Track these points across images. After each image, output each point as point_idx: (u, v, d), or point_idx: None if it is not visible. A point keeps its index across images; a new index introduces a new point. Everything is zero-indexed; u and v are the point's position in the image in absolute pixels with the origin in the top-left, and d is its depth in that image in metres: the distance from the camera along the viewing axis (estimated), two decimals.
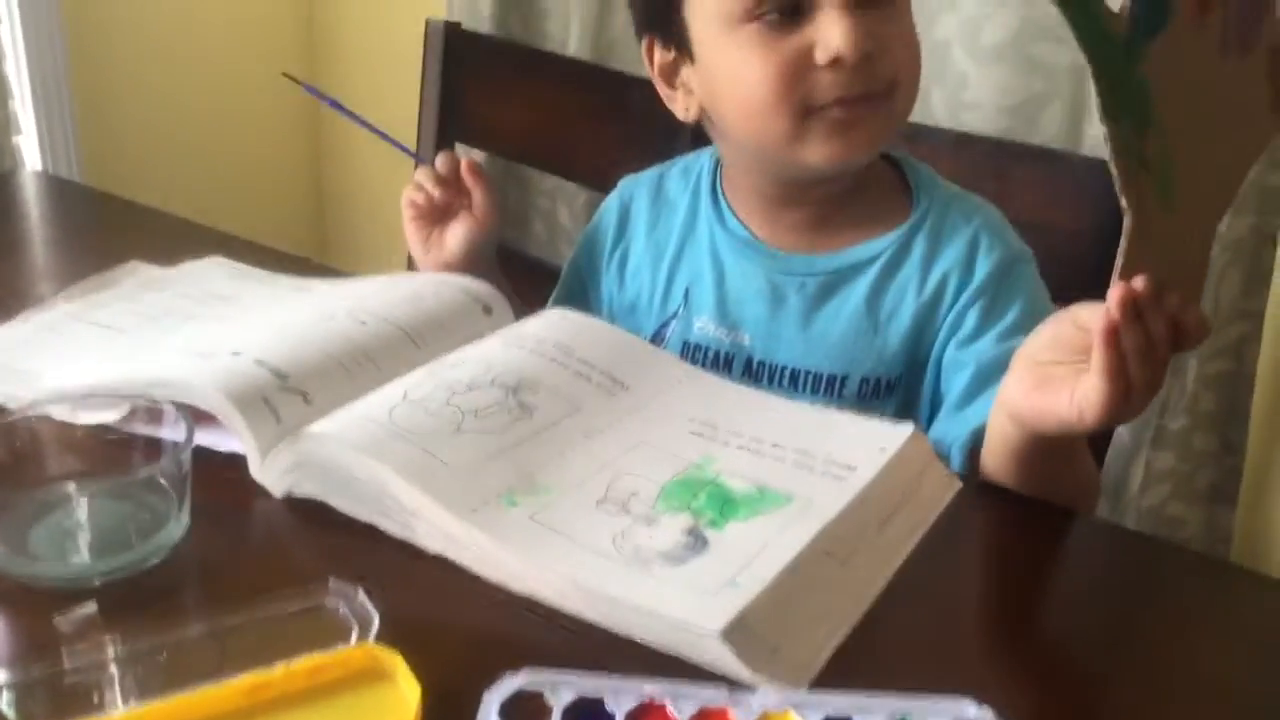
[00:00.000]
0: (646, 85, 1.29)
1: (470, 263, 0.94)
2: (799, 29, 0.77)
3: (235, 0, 1.86)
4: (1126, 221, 0.57)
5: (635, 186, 0.97)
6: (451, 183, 0.96)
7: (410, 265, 1.04)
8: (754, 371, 0.86)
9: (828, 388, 0.85)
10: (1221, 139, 0.59)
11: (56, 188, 1.34)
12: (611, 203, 0.98)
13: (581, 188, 1.56)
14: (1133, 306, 0.58)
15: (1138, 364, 0.59)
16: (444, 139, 1.39)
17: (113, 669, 0.52)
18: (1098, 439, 0.99)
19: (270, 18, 1.93)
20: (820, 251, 0.87)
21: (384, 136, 1.01)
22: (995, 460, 0.71)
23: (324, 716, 0.51)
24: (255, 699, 0.51)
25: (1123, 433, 1.24)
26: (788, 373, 0.85)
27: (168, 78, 1.79)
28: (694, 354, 0.88)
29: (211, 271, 0.92)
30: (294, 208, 2.03)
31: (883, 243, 0.86)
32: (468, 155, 1.46)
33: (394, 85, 1.56)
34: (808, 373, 0.85)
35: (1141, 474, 1.27)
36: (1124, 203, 0.57)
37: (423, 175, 0.96)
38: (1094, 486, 0.76)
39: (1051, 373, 0.64)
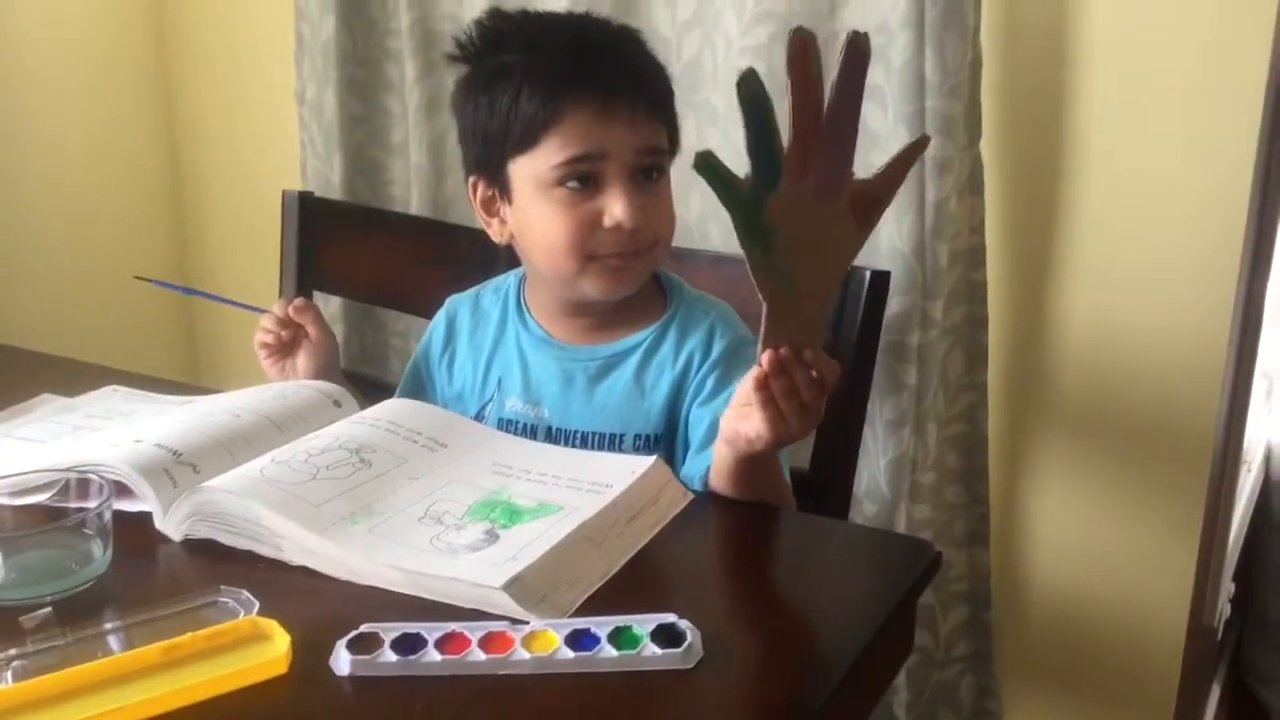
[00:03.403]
0: (469, 233, 1.56)
1: (321, 379, 1.17)
2: (592, 197, 1.05)
3: (106, 183, 2.08)
4: (764, 310, 0.85)
5: (458, 304, 1.24)
6: (289, 323, 1.21)
7: None
8: (553, 436, 1.11)
9: (609, 444, 1.10)
10: (826, 251, 0.86)
11: None
12: (440, 317, 1.24)
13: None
14: (778, 364, 0.85)
15: (784, 400, 0.86)
16: (304, 289, 1.63)
17: (64, 650, 0.73)
18: (834, 490, 1.26)
19: (139, 192, 2.14)
20: (599, 342, 1.13)
21: (235, 304, 1.26)
22: (717, 477, 0.97)
23: (221, 665, 0.72)
24: (171, 656, 0.72)
25: (884, 488, 1.50)
26: (579, 435, 1.10)
27: (46, 251, 1.99)
28: (507, 427, 1.12)
29: (111, 396, 1.14)
30: (168, 343, 2.23)
31: (645, 334, 1.13)
32: (325, 302, 1.70)
33: (259, 246, 1.81)
34: (594, 433, 1.10)
35: (905, 523, 1.53)
36: (761, 297, 0.84)
37: (266, 321, 1.21)
38: (786, 498, 1.02)
39: (747, 411, 0.90)
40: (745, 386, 0.90)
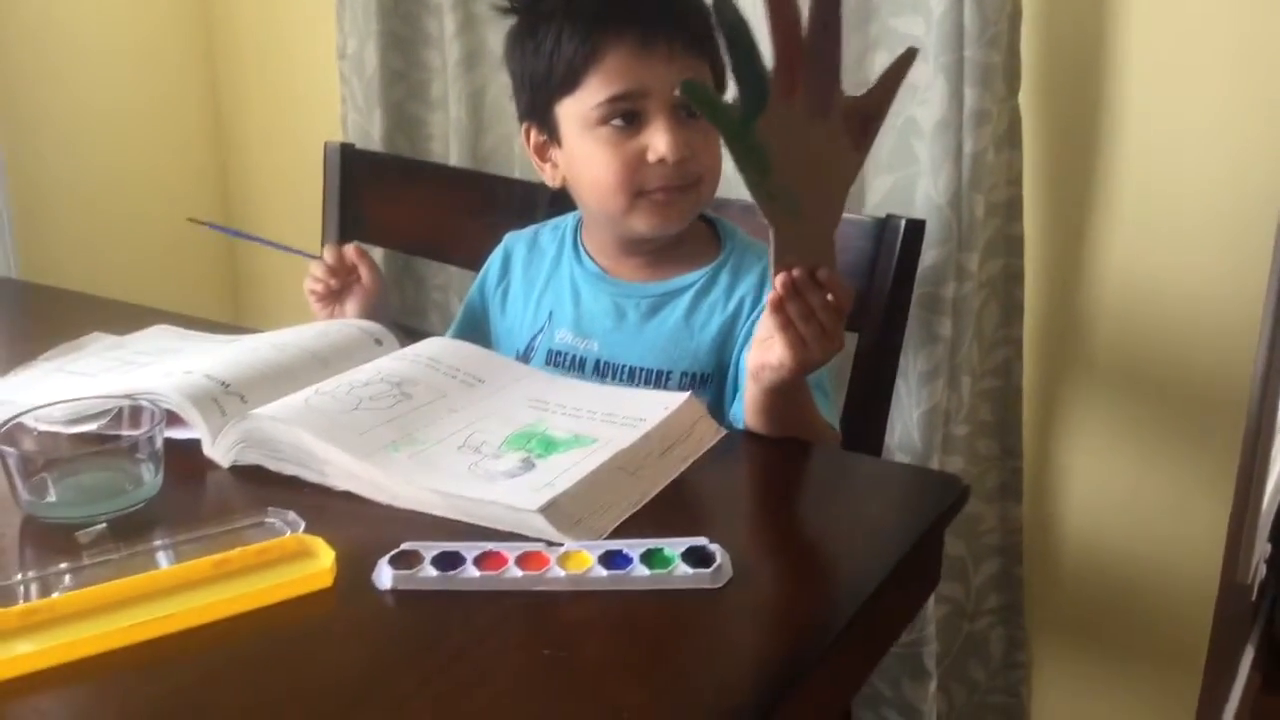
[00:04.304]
0: (509, 184, 1.58)
1: None
2: (636, 134, 1.07)
3: (152, 134, 2.12)
4: (770, 233, 0.86)
5: (516, 240, 1.28)
6: (340, 269, 1.24)
7: None
8: (600, 369, 1.14)
9: (656, 380, 1.13)
10: (824, 170, 0.88)
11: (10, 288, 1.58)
12: (498, 252, 1.28)
13: (468, 281, 1.83)
14: (791, 285, 0.87)
15: (801, 323, 0.88)
16: (345, 239, 1.65)
17: (118, 563, 0.76)
18: (867, 441, 1.27)
19: (184, 144, 2.18)
20: (652, 280, 1.16)
21: (286, 249, 1.28)
22: (751, 417, 0.99)
23: (269, 578, 0.74)
24: (220, 570, 0.75)
25: (916, 440, 1.51)
26: (626, 369, 1.14)
27: (96, 199, 2.03)
28: (556, 358, 1.16)
29: (160, 335, 1.17)
30: (212, 288, 2.28)
31: (698, 274, 1.15)
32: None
33: (300, 198, 1.84)
34: (641, 369, 1.13)
35: None
36: (766, 221, 0.86)
37: (316, 268, 1.23)
38: (825, 434, 1.03)
39: (769, 342, 0.92)
40: (763, 320, 0.92)
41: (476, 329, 1.26)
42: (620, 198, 1.09)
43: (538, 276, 1.22)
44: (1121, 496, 1.55)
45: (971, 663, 1.62)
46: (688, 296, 1.14)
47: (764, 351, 0.93)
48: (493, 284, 1.27)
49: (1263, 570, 2.01)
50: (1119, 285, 1.48)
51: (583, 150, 1.10)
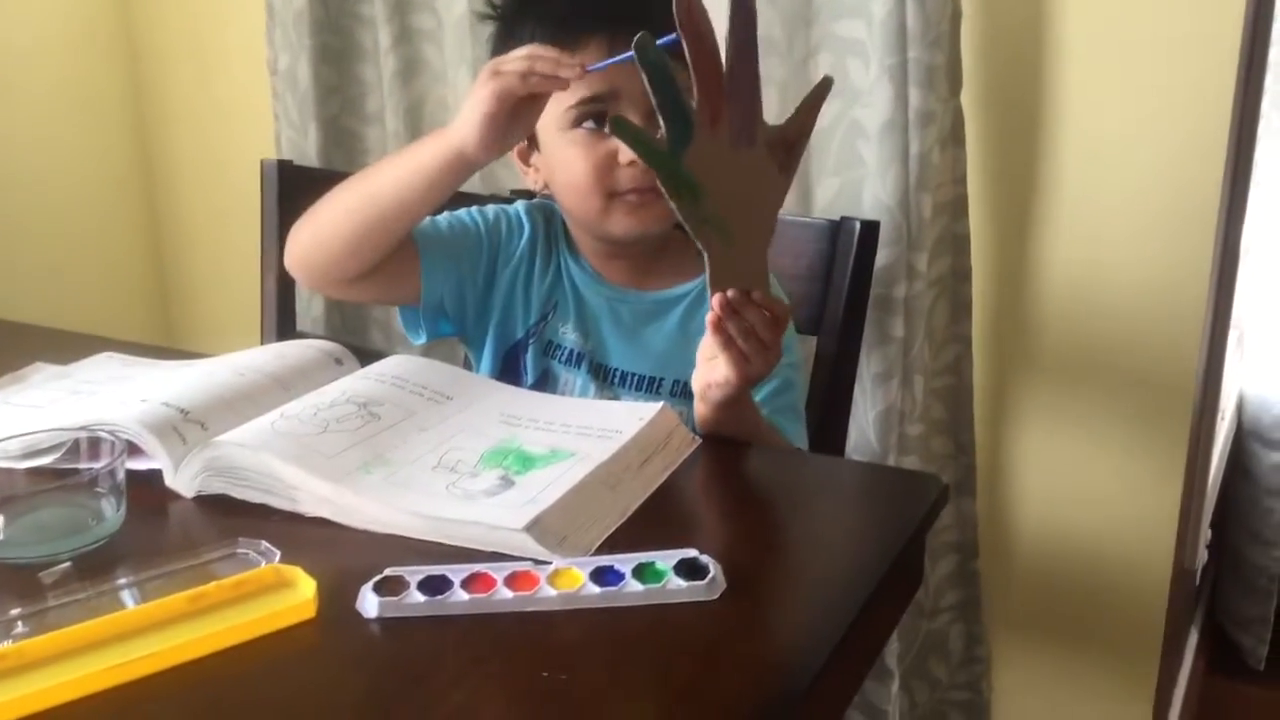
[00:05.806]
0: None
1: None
2: (609, 136, 1.07)
3: (77, 154, 2.06)
4: (706, 257, 0.89)
5: (536, 214, 1.20)
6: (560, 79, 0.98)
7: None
8: (594, 369, 1.14)
9: (649, 386, 1.13)
10: (755, 196, 0.91)
11: None
12: (523, 216, 1.20)
13: None
14: (728, 306, 0.89)
15: (742, 340, 0.90)
16: (283, 259, 1.62)
17: (86, 603, 0.72)
18: (831, 438, 1.27)
19: (110, 165, 2.13)
20: (645, 288, 1.17)
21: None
22: (701, 429, 0.99)
23: (247, 613, 0.71)
24: (197, 605, 0.72)
25: (872, 441, 1.51)
26: (619, 373, 1.14)
27: (20, 222, 1.98)
28: (555, 351, 1.16)
29: (107, 363, 1.13)
30: (141, 308, 2.21)
31: (690, 285, 1.16)
32: None
33: (234, 217, 1.80)
34: (634, 374, 1.14)
35: None
36: (699, 245, 0.89)
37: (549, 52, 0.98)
38: (771, 440, 1.04)
39: (712, 363, 0.94)
40: (705, 341, 0.94)
41: (460, 249, 1.16)
42: (594, 199, 1.09)
43: (549, 261, 1.19)
44: (1073, 487, 1.57)
45: (932, 660, 1.63)
46: (683, 306, 1.16)
47: (709, 370, 0.95)
48: (516, 242, 1.18)
49: (1205, 554, 2.05)
50: (1064, 279, 1.50)
51: (557, 153, 1.10)
